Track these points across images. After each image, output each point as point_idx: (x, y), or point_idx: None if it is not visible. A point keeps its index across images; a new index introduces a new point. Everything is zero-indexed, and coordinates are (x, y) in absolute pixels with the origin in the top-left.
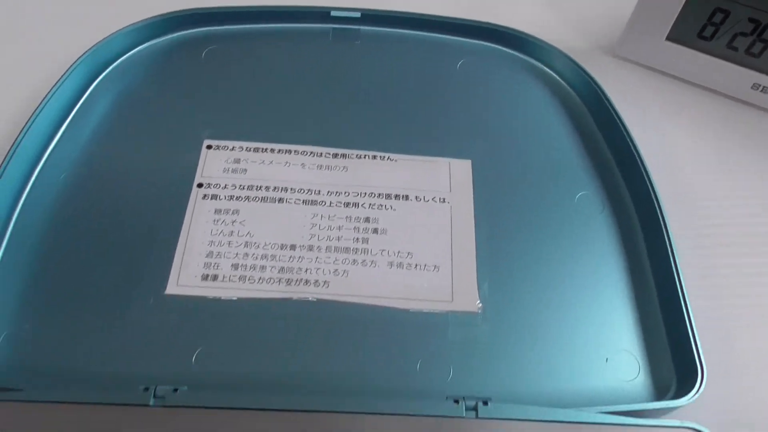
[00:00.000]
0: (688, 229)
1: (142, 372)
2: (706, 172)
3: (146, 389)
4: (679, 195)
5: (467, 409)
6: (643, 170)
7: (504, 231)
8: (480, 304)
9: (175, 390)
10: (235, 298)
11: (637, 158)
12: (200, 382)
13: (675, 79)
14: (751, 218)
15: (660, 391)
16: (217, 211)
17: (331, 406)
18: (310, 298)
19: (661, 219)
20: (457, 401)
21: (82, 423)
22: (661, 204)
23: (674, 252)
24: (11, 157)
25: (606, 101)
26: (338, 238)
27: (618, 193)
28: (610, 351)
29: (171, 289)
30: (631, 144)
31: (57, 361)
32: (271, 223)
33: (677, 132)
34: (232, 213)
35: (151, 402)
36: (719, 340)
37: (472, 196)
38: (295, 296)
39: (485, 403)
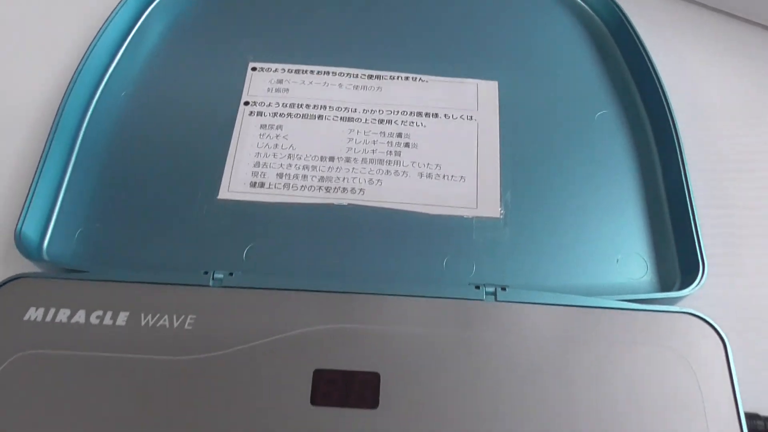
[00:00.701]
0: (701, 146)
1: (200, 265)
2: (722, 93)
3: (206, 272)
4: (695, 114)
5: (487, 294)
6: (660, 90)
7: (526, 146)
8: (502, 211)
9: (231, 274)
10: (279, 203)
11: (655, 79)
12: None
13: (696, 4)
14: (764, 135)
15: (665, 287)
16: (263, 126)
17: (364, 289)
18: (347, 204)
19: (674, 135)
20: (478, 287)
21: (146, 301)
22: (675, 120)
23: (685, 165)
24: (77, 77)
25: (628, 25)
26: (373, 151)
27: (635, 112)
28: (622, 253)
29: (223, 194)
30: (650, 66)
31: (124, 255)
32: (312, 138)
33: (696, 55)
34: (276, 128)
35: (211, 283)
36: (724, 245)
37: (497, 114)
38: (333, 202)
39: (503, 288)
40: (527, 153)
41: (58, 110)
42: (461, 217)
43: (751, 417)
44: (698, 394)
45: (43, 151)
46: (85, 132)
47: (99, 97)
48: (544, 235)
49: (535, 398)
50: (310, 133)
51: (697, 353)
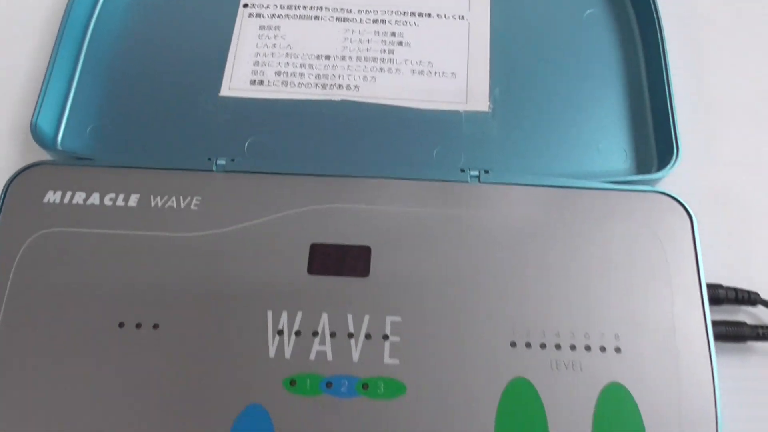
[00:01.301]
0: (685, 43)
1: (204, 156)
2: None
3: (209, 159)
4: (680, 12)
5: (471, 176)
6: None
7: (516, 43)
8: (491, 105)
9: (233, 160)
10: (278, 99)
11: None
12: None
13: None
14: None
15: (642, 172)
16: (261, 27)
17: (357, 173)
18: (342, 100)
19: (659, 31)
20: (463, 170)
21: (154, 185)
22: (660, 18)
23: (667, 60)
24: None
25: None
26: (367, 50)
27: (623, 10)
28: (603, 142)
29: (224, 92)
30: None
31: (132, 147)
32: (309, 37)
33: None
34: (275, 29)
35: (214, 168)
36: (701, 134)
37: (488, 13)
38: (329, 98)
39: (487, 171)
40: (516, 50)
41: (65, 11)
42: (451, 111)
43: (714, 287)
44: (665, 265)
45: (52, 51)
46: (92, 32)
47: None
48: (530, 127)
49: (513, 268)
50: (307, 33)
51: (666, 229)
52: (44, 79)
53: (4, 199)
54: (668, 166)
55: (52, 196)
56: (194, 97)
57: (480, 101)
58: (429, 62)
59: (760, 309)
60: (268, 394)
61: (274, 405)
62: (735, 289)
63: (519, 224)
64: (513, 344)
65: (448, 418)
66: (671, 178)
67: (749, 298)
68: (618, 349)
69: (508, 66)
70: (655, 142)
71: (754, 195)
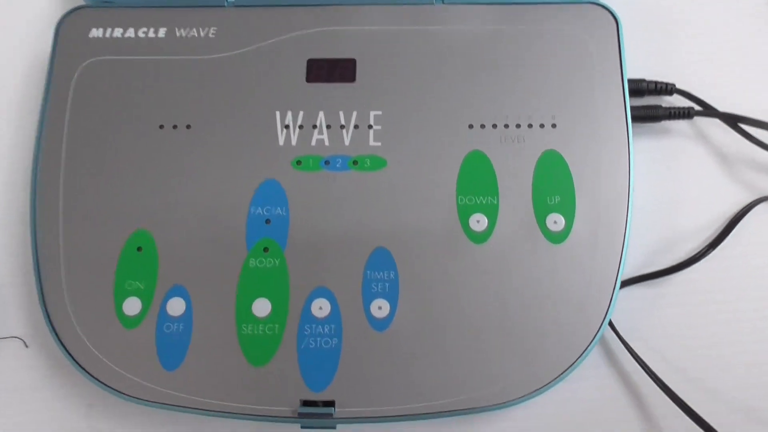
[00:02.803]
0: None
1: None
2: None
3: None
4: None
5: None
6: None
7: None
8: None
9: None
10: None
11: None
12: None
13: None
14: None
15: None
16: None
17: (345, 1)
18: None
19: None
20: None
21: (178, 19)
22: None
23: None
24: None
25: None
26: None
27: None
28: None
29: None
30: None
31: None
32: None
33: None
34: None
35: (226, 4)
36: None
37: None
38: None
39: None
40: None
41: None
42: None
43: (637, 81)
44: (593, 60)
45: None
46: None
47: None
48: None
49: (472, 68)
50: None
51: (596, 32)
52: None
53: (57, 36)
54: None
55: (95, 32)
56: None
57: None
58: None
59: (675, 97)
60: (280, 171)
61: (285, 179)
62: (655, 82)
63: (476, 36)
64: (470, 126)
65: (420, 183)
66: None
67: (666, 89)
68: (554, 126)
69: None
70: None
71: (676, 4)
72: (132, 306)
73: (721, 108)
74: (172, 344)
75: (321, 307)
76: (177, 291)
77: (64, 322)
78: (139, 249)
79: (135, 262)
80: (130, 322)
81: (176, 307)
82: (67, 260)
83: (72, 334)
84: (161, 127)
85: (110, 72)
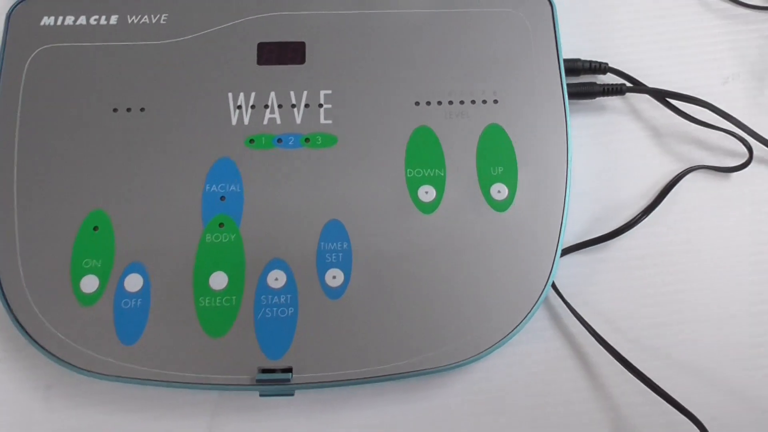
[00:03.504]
0: None
1: None
2: None
3: None
4: None
5: None
6: None
7: None
8: None
9: None
10: None
11: None
12: None
13: None
14: None
15: None
16: None
17: None
18: None
19: None
20: None
21: (129, 5)
22: None
23: None
24: None
25: None
26: None
27: None
28: None
29: None
30: None
31: None
32: None
33: None
34: None
35: None
36: None
37: None
38: None
39: None
40: None
41: None
42: None
43: (573, 60)
44: (530, 41)
45: None
46: None
47: None
48: None
49: (415, 49)
50: None
51: (533, 14)
52: None
53: (8, 24)
54: None
55: (47, 20)
56: None
57: None
58: None
59: (609, 76)
60: (233, 150)
61: (239, 157)
62: (589, 61)
63: (420, 18)
64: (417, 103)
65: (370, 158)
66: None
67: (600, 67)
68: (496, 102)
69: None
70: None
71: None
72: (89, 284)
73: (651, 84)
74: (130, 319)
75: (277, 278)
76: (134, 268)
77: (21, 301)
78: (95, 228)
79: (91, 241)
80: (88, 299)
81: (134, 283)
82: (23, 241)
83: (29, 313)
84: (115, 110)
85: (62, 59)
